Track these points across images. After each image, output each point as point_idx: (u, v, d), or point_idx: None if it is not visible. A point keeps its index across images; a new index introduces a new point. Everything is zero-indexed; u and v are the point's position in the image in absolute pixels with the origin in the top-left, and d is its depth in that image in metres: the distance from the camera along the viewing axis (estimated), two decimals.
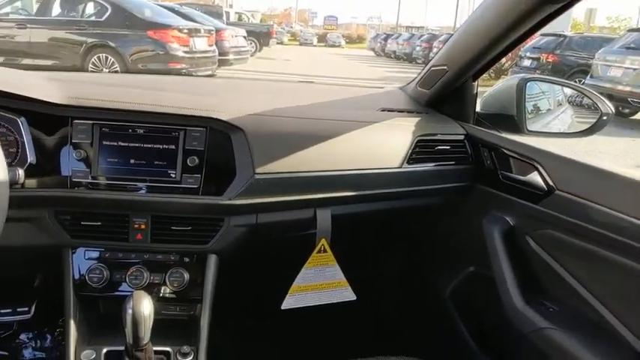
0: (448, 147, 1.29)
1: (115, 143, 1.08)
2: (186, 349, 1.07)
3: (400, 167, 1.21)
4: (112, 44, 7.52)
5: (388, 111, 1.33)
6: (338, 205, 1.20)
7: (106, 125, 1.07)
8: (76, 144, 1.07)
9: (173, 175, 1.09)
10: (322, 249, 1.22)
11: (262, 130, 1.12)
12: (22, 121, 1.04)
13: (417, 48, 19.52)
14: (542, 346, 1.09)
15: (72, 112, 1.06)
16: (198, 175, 1.09)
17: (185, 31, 8.05)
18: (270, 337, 1.56)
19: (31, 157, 1.04)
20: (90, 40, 7.53)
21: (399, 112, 1.34)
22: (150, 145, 1.09)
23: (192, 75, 8.02)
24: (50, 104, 1.04)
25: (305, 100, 1.34)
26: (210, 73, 8.76)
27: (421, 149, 1.24)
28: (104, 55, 7.64)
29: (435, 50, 16.55)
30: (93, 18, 7.82)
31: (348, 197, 1.19)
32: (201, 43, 8.46)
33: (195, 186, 1.09)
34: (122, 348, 1.03)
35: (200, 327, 1.10)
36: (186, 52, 8.02)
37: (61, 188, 1.07)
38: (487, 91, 1.44)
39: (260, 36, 18.36)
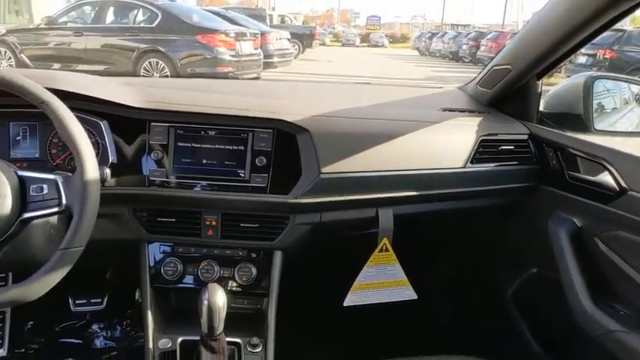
0: (512, 147, 1.28)
1: (189, 144, 1.14)
2: (255, 340, 1.11)
3: (463, 167, 1.21)
4: (162, 49, 7.74)
5: (449, 111, 1.33)
6: (400, 205, 1.22)
7: (181, 127, 1.13)
8: (152, 145, 1.13)
9: (242, 175, 1.14)
10: (384, 248, 1.23)
11: (327, 130, 1.15)
12: (104, 124, 1.11)
13: (464, 46, 19.10)
14: (613, 349, 1.06)
15: (149, 116, 1.13)
16: (266, 175, 1.14)
17: (232, 35, 8.20)
18: (332, 333, 1.59)
19: (112, 158, 1.11)
20: (142, 45, 7.78)
21: (460, 111, 1.34)
22: (221, 146, 1.14)
23: (238, 78, 8.17)
24: (130, 108, 1.10)
25: (365, 101, 1.36)
26: (255, 75, 8.89)
27: (484, 149, 1.24)
28: (155, 59, 7.88)
29: (482, 48, 16.18)
30: (144, 24, 8.08)
31: (410, 197, 1.20)
32: (247, 47, 8.60)
33: (263, 185, 1.14)
34: (195, 337, 1.09)
35: (267, 320, 1.15)
36: (232, 55, 8.16)
37: (139, 187, 1.14)
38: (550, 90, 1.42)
39: (303, 38, 18.50)
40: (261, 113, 1.12)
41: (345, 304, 1.27)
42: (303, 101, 1.27)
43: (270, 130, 1.13)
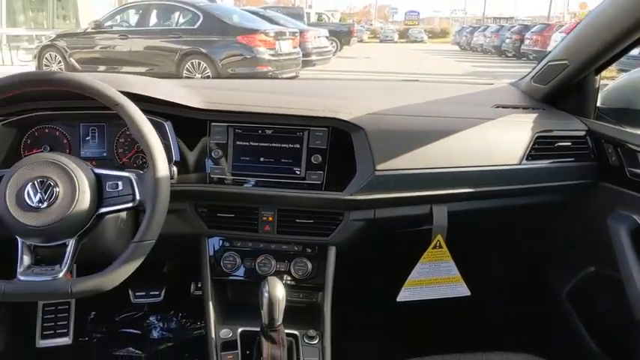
0: (569, 143, 1.26)
1: (247, 143, 1.18)
2: (312, 332, 1.15)
3: (519, 164, 1.21)
4: (203, 50, 7.85)
5: (503, 107, 1.32)
6: (454, 202, 1.22)
7: (239, 127, 1.18)
8: (213, 144, 1.18)
9: (298, 172, 1.17)
10: (438, 245, 1.24)
11: (381, 128, 1.16)
12: (167, 125, 1.16)
13: (507, 40, 18.55)
14: None
15: (210, 116, 1.17)
16: (321, 172, 1.17)
17: (271, 34, 8.26)
18: (384, 327, 1.61)
19: (175, 157, 1.16)
20: (184, 47, 7.93)
21: (514, 108, 1.33)
22: (277, 145, 1.18)
23: (277, 77, 8.24)
24: (193, 109, 1.15)
25: (416, 99, 1.37)
26: (293, 74, 8.94)
27: (540, 146, 1.23)
28: (197, 60, 8.03)
29: (526, 42, 15.69)
30: (186, 26, 8.24)
31: (464, 194, 1.20)
32: (286, 46, 8.65)
33: (319, 182, 1.17)
34: (254, 328, 1.13)
35: (323, 314, 1.18)
36: (272, 55, 8.21)
37: (201, 184, 1.19)
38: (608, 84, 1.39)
39: (341, 35, 18.49)
40: (318, 112, 1.15)
41: (398, 300, 1.28)
42: (356, 100, 1.29)
43: (326, 129, 1.16)
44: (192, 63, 8.03)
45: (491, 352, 1.09)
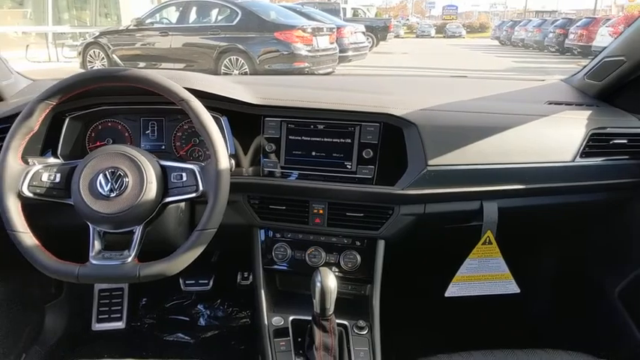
0: (624, 141, 1.24)
1: (299, 138, 1.21)
2: (362, 323, 1.17)
3: (572, 161, 1.20)
4: (241, 47, 7.90)
5: (556, 104, 1.31)
6: (505, 198, 1.22)
7: (292, 122, 1.21)
8: (266, 139, 1.22)
9: (349, 167, 1.20)
10: (487, 241, 1.24)
11: (433, 124, 1.18)
12: (224, 120, 1.21)
13: (550, 35, 17.88)
14: None
15: (264, 111, 1.21)
16: (372, 167, 1.19)
17: (309, 30, 8.25)
18: (431, 321, 1.62)
19: (230, 150, 1.21)
20: (222, 43, 7.99)
21: (567, 104, 1.31)
22: (329, 139, 1.20)
23: (314, 73, 8.24)
24: (248, 104, 1.19)
25: (466, 95, 1.37)
26: (330, 70, 8.93)
27: (595, 143, 1.21)
28: (234, 57, 8.11)
29: (571, 37, 15.15)
30: (225, 23, 8.31)
31: (516, 190, 1.20)
32: (323, 42, 8.63)
33: (370, 176, 1.19)
34: (304, 317, 1.17)
35: (373, 305, 1.20)
36: (309, 50, 8.19)
37: (254, 176, 1.23)
38: None
39: (377, 30, 18.32)
40: (370, 108, 1.17)
41: (446, 295, 1.29)
42: (405, 96, 1.31)
43: (377, 124, 1.18)
44: (230, 59, 8.11)
45: (538, 350, 1.08)
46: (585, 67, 1.40)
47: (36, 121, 0.99)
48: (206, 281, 1.81)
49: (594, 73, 1.34)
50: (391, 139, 1.18)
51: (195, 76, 1.23)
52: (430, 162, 1.14)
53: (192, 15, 8.78)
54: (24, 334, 1.52)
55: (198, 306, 1.88)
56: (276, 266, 1.28)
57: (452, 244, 1.32)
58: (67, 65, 9.50)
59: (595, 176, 1.23)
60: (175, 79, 1.02)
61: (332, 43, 9.06)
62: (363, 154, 1.19)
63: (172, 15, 9.02)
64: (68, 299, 1.77)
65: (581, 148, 1.20)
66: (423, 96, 1.31)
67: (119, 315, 1.81)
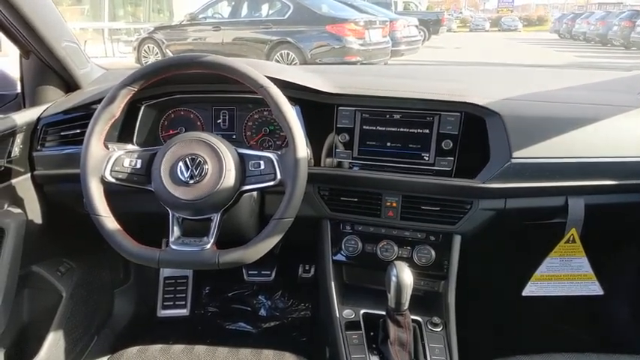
0: None
1: (374, 128, 1.18)
2: (436, 320, 1.13)
3: None
4: (293, 41, 7.92)
5: None
6: (592, 195, 1.14)
7: (367, 111, 1.17)
8: (339, 128, 1.19)
9: (426, 158, 1.15)
10: (571, 239, 1.17)
11: (518, 114, 1.11)
12: (296, 109, 1.19)
13: (615, 28, 16.83)
14: None
15: (337, 100, 1.18)
16: (452, 158, 1.14)
17: (361, 23, 8.16)
18: (507, 321, 1.55)
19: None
20: (274, 38, 8.04)
21: None
22: (405, 130, 1.16)
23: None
24: (323, 93, 1.17)
25: (547, 85, 1.29)
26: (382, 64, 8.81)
27: None
28: (286, 51, 8.13)
29: (638, 30, 14.25)
30: (276, 17, 8.35)
31: (605, 187, 1.12)
32: (375, 35, 8.51)
33: (448, 168, 1.14)
34: (375, 311, 1.14)
35: (447, 302, 1.16)
36: (361, 44, 8.13)
37: (326, 167, 1.20)
38: None
39: (429, 24, 17.96)
40: (451, 97, 1.12)
41: (523, 294, 1.23)
42: (485, 85, 1.25)
43: (458, 114, 1.13)
44: (280, 54, 8.14)
45: (623, 356, 1.01)
46: None
47: (118, 107, 1.00)
48: (268, 272, 1.82)
49: None
50: (471, 130, 1.13)
51: (270, 64, 1.22)
52: (515, 154, 1.08)
53: (244, 9, 8.88)
54: (96, 317, 1.58)
55: (259, 296, 1.89)
56: (345, 259, 1.25)
57: (531, 241, 1.25)
58: (122, 60, 9.85)
59: None
60: (251, 67, 1.01)
61: (384, 36, 8.92)
62: (442, 145, 1.14)
63: (224, 10, 9.17)
64: (136, 285, 1.82)
65: None
66: (503, 85, 1.25)
67: (183, 302, 1.85)
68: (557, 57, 13.43)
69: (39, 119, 1.27)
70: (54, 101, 1.34)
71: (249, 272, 1.82)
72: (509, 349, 1.03)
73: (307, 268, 1.85)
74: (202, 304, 1.89)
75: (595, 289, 1.23)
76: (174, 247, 0.96)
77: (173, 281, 1.88)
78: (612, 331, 1.56)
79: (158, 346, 1.05)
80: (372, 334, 1.12)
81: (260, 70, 1.02)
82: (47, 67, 1.34)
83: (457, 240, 1.18)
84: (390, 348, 1.03)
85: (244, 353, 1.02)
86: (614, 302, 1.52)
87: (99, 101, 1.02)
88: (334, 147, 1.20)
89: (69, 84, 1.41)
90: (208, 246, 0.95)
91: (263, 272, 1.82)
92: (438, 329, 1.12)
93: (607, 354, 1.01)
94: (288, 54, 8.15)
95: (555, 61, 11.72)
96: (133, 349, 1.03)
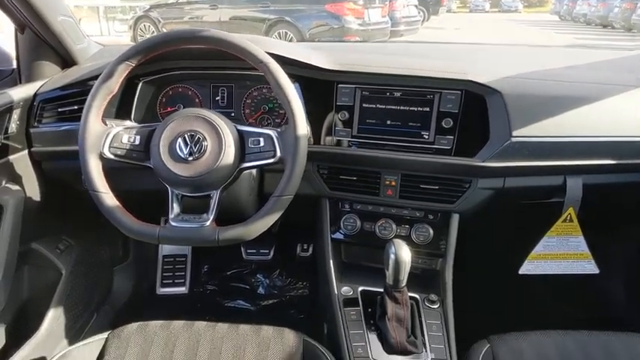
0: None
1: (374, 105, 1.17)
2: (433, 297, 1.14)
3: None
4: (291, 20, 7.80)
5: None
6: (590, 174, 1.14)
7: (367, 89, 1.17)
8: (339, 106, 1.18)
9: (426, 136, 1.15)
10: (568, 218, 1.18)
11: (519, 92, 1.11)
12: (296, 86, 1.17)
13: (615, 9, 16.61)
14: None
15: (337, 77, 1.17)
16: (451, 137, 1.13)
17: (360, 2, 8.04)
18: (503, 298, 1.57)
19: None
20: (271, 16, 7.90)
21: None
22: (405, 108, 1.16)
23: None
24: (323, 70, 1.16)
25: (550, 64, 1.28)
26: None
27: None
28: (284, 30, 8.02)
29: (639, 12, 14.12)
30: None
31: (604, 166, 1.12)
32: (375, 15, 8.39)
33: (448, 147, 1.14)
34: (373, 289, 1.15)
35: (445, 280, 1.16)
36: (360, 24, 8.02)
37: (325, 145, 1.20)
38: None
39: (429, 4, 17.71)
40: (452, 74, 1.11)
41: (520, 272, 1.24)
42: (486, 63, 1.24)
43: (459, 92, 1.12)
44: (278, 33, 8.01)
45: (619, 333, 1.03)
46: None
47: (116, 83, 0.99)
48: (267, 251, 1.82)
49: None
50: (471, 109, 1.12)
51: (270, 40, 1.20)
52: (515, 133, 1.08)
53: None
54: (96, 294, 1.58)
55: (258, 275, 1.90)
56: (343, 237, 1.25)
57: (529, 220, 1.26)
58: (118, 39, 9.71)
59: None
60: (251, 42, 1.00)
61: (384, 16, 8.80)
62: (443, 123, 1.13)
63: None
64: (134, 264, 1.83)
65: None
66: (504, 64, 1.24)
67: (182, 280, 1.86)
68: (556, 39, 13.32)
69: (35, 95, 1.25)
70: (50, 77, 1.33)
71: (248, 251, 1.82)
72: (504, 326, 1.05)
73: (305, 247, 1.85)
74: (201, 282, 1.90)
75: (591, 267, 1.24)
76: (173, 223, 0.96)
77: (172, 259, 1.88)
78: (607, 310, 1.59)
79: (158, 322, 1.05)
80: (369, 310, 1.13)
81: (260, 45, 1.01)
82: (43, 42, 1.32)
83: (455, 219, 1.19)
84: (388, 324, 1.04)
85: (244, 329, 1.03)
86: (610, 281, 1.54)
87: (96, 77, 1.01)
88: (334, 125, 1.20)
89: (65, 60, 1.39)
90: (208, 223, 0.95)
91: (262, 251, 1.82)
92: (435, 306, 1.13)
93: (601, 331, 1.02)
94: (286, 33, 8.03)
95: (555, 43, 11.62)
96: (133, 325, 1.04)
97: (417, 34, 10.90)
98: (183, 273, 1.87)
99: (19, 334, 1.26)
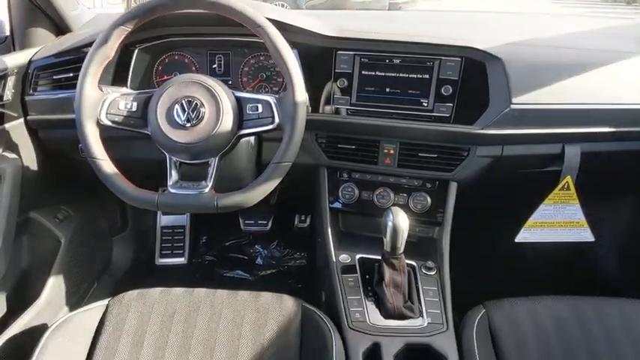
0: None
1: (373, 73, 1.16)
2: (430, 264, 1.16)
3: None
4: None
5: None
6: (588, 142, 1.14)
7: (366, 56, 1.15)
8: (338, 74, 1.17)
9: (425, 104, 1.14)
10: (566, 186, 1.18)
11: (520, 59, 1.10)
12: (294, 53, 1.16)
13: None
14: None
15: (337, 44, 1.16)
16: (451, 104, 1.13)
17: None
18: (501, 267, 1.59)
19: None
20: None
21: None
22: (405, 75, 1.15)
23: None
24: (323, 36, 1.14)
25: (552, 31, 1.27)
26: None
27: None
28: (280, 2, 7.89)
29: None
30: None
31: (602, 134, 1.12)
32: None
33: (447, 115, 1.13)
34: (370, 256, 1.16)
35: (442, 248, 1.18)
36: None
37: (323, 113, 1.19)
38: None
39: None
40: (452, 41, 1.10)
41: (516, 240, 1.25)
42: (488, 30, 1.23)
43: (459, 59, 1.11)
44: (275, 4, 7.89)
45: (610, 298, 1.05)
46: None
47: (112, 48, 0.97)
48: (265, 222, 1.83)
49: None
50: (471, 76, 1.12)
51: (269, 6, 1.18)
52: (514, 100, 1.07)
53: None
54: (96, 264, 1.59)
55: (256, 246, 1.91)
56: (341, 206, 1.26)
57: (526, 188, 1.26)
58: (112, 12, 9.52)
59: None
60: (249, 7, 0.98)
61: None
62: (442, 90, 1.13)
63: None
64: (133, 234, 1.84)
65: None
66: (505, 31, 1.23)
67: (181, 251, 1.87)
68: (555, 11, 13.13)
69: (30, 62, 1.24)
70: (45, 44, 1.31)
71: (246, 222, 1.83)
72: (501, 292, 1.06)
73: (303, 218, 1.86)
74: (200, 252, 1.91)
75: (587, 235, 1.25)
76: (172, 190, 0.96)
77: (170, 230, 1.89)
78: (601, 276, 1.61)
79: (158, 289, 1.06)
80: (367, 277, 1.14)
81: (259, 11, 0.99)
82: (37, 8, 1.29)
83: (453, 187, 1.19)
84: (385, 290, 1.05)
85: (243, 296, 1.05)
86: (604, 248, 1.56)
87: (91, 44, 0.99)
88: (332, 94, 1.19)
89: (60, 27, 1.37)
90: (207, 190, 0.95)
91: (259, 222, 1.83)
92: (432, 273, 1.14)
93: (599, 297, 1.04)
94: (282, 5, 7.91)
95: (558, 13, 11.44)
96: (134, 292, 1.05)
97: (416, 5, 10.73)
98: (181, 244, 1.88)
99: (20, 302, 1.27)
